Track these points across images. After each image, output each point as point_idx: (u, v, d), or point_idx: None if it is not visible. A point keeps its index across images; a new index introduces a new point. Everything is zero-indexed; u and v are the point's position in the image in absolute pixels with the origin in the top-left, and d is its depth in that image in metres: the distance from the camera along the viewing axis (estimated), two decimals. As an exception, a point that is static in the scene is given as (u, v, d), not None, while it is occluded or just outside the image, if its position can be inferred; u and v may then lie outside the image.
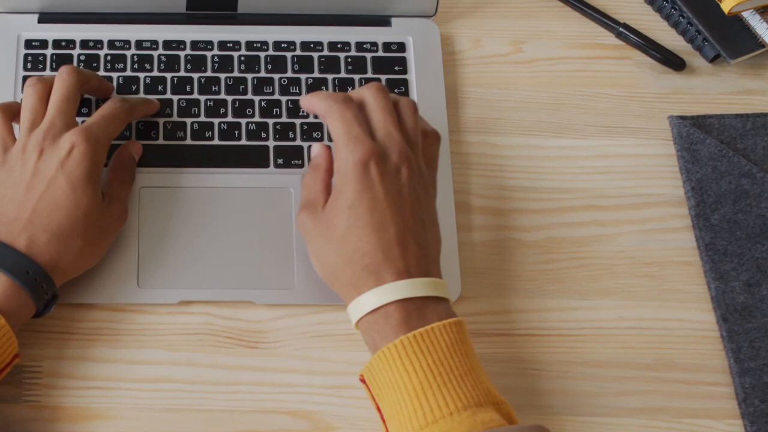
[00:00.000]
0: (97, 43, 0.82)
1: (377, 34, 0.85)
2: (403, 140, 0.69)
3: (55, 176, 0.68)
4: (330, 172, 0.72)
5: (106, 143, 0.72)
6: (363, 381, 0.66)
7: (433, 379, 0.62)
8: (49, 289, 0.68)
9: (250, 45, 0.83)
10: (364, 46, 0.84)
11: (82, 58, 0.82)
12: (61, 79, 0.73)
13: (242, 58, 0.83)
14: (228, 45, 0.83)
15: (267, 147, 0.79)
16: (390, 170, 0.67)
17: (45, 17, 0.83)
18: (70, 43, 0.82)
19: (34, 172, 0.69)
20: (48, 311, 0.69)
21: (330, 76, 0.82)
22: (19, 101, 0.77)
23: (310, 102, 0.72)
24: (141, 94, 0.80)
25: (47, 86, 0.73)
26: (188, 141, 0.79)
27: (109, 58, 0.82)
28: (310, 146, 0.79)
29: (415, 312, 0.65)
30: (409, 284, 0.65)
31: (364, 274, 0.66)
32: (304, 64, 0.83)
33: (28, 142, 0.70)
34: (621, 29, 0.87)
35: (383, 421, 0.65)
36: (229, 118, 0.80)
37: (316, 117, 0.80)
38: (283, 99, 0.81)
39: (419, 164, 0.70)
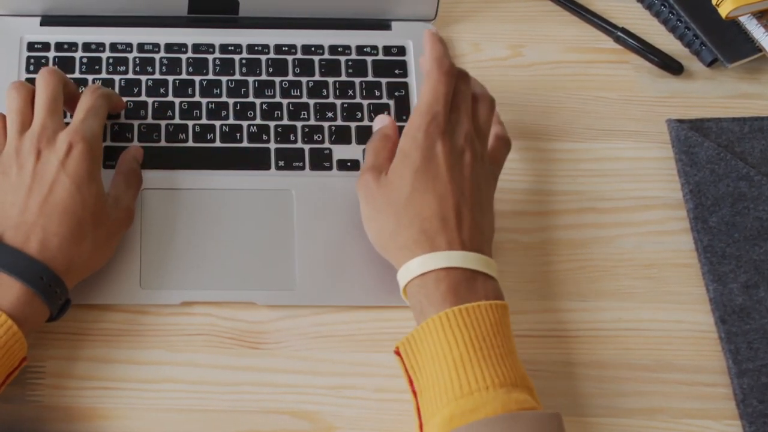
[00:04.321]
0: (99, 46, 0.83)
1: (378, 38, 0.85)
2: (471, 128, 0.71)
3: (57, 177, 0.68)
4: (396, 143, 0.73)
5: (100, 136, 0.72)
6: (398, 353, 0.66)
7: (474, 353, 0.63)
8: (63, 294, 0.68)
9: (251, 48, 0.84)
10: (365, 49, 0.84)
11: (84, 60, 0.82)
12: (44, 79, 0.73)
13: (243, 61, 0.83)
14: (229, 48, 0.84)
15: (268, 149, 0.79)
16: (456, 150, 0.69)
17: (47, 20, 0.84)
18: (72, 46, 0.83)
19: (33, 175, 0.68)
20: (62, 315, 0.69)
21: (331, 79, 0.83)
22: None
23: (432, 42, 0.73)
24: (143, 97, 0.81)
25: (30, 89, 0.73)
26: (190, 143, 0.79)
27: (111, 60, 0.82)
28: (311, 149, 0.79)
29: (464, 283, 0.66)
30: (462, 255, 0.66)
31: (421, 238, 0.67)
32: (305, 67, 0.83)
33: (21, 145, 0.70)
34: (619, 33, 0.87)
35: (414, 393, 0.65)
36: (231, 121, 0.80)
37: (317, 120, 0.80)
38: (284, 102, 0.81)
39: (483, 154, 0.72)
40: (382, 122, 0.76)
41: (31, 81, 0.80)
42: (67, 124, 0.72)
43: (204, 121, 0.80)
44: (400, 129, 0.73)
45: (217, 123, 0.80)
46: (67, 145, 0.69)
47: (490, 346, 0.63)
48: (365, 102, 0.82)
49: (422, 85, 0.72)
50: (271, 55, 0.83)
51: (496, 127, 0.77)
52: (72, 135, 0.70)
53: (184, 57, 0.83)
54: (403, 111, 0.82)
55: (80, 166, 0.69)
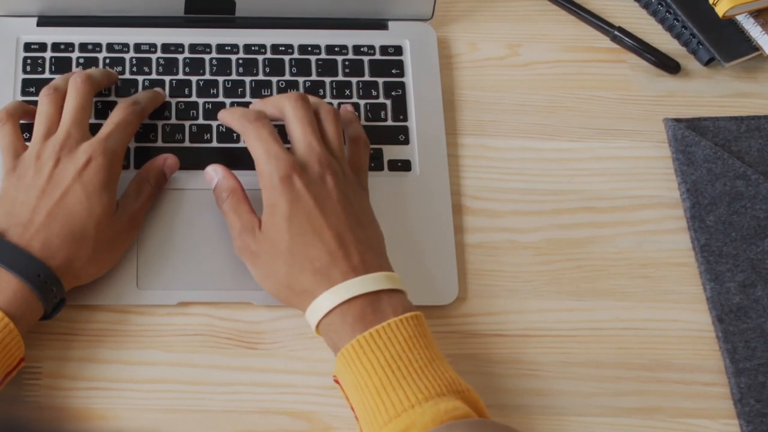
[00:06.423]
0: (96, 46, 0.83)
1: (374, 38, 0.85)
2: (323, 150, 0.71)
3: (72, 185, 0.69)
4: (243, 189, 0.73)
5: (122, 152, 0.73)
6: (337, 382, 0.67)
7: (392, 374, 0.63)
8: (58, 293, 0.68)
9: (248, 48, 0.84)
10: (362, 49, 0.84)
11: (81, 61, 0.82)
12: (75, 87, 0.74)
13: (240, 61, 0.83)
14: (226, 48, 0.83)
15: (265, 149, 0.79)
16: (314, 179, 0.69)
17: (44, 20, 0.84)
18: (69, 46, 0.83)
19: (48, 179, 0.69)
20: (55, 314, 0.69)
21: (327, 79, 0.83)
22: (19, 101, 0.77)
23: (225, 120, 0.75)
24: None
25: (62, 94, 0.74)
26: (186, 143, 0.79)
27: (107, 61, 0.82)
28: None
29: (369, 307, 0.66)
30: (359, 281, 0.66)
31: (317, 278, 0.67)
32: (302, 67, 0.83)
33: (43, 150, 0.71)
34: (616, 33, 0.87)
35: (357, 419, 0.65)
36: (228, 121, 0.80)
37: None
38: (281, 102, 0.81)
39: (343, 169, 0.72)
40: (214, 176, 0.74)
41: (29, 82, 0.81)
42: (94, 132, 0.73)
43: (201, 121, 0.80)
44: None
45: (214, 123, 0.80)
46: (87, 157, 0.70)
47: (408, 362, 0.64)
48: (362, 102, 0.82)
49: (247, 142, 0.71)
50: (268, 55, 0.83)
51: (350, 128, 0.77)
52: (93, 148, 0.70)
53: (180, 57, 0.83)
54: (400, 110, 0.82)
55: (95, 178, 0.70)
